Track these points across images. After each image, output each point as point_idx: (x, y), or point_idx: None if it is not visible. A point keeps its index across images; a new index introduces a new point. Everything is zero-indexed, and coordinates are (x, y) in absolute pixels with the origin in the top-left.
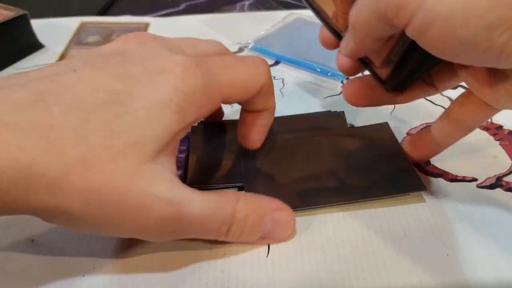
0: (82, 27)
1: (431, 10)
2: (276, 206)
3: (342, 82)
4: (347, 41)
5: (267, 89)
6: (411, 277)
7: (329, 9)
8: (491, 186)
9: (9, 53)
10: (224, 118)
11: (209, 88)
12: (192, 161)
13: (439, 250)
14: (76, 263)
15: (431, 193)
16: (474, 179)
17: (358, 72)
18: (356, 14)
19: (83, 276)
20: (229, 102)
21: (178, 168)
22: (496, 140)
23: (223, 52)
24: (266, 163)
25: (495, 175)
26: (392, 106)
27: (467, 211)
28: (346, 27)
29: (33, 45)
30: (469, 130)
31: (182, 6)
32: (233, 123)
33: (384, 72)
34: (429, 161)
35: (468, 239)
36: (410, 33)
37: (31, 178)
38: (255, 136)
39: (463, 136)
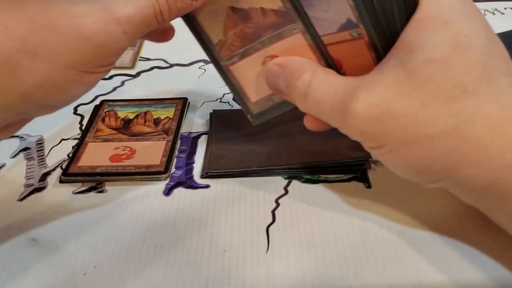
0: None
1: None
2: None
3: None
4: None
5: None
6: (410, 275)
7: (215, 36)
8: None
9: None
10: None
11: None
12: (211, 150)
13: (437, 248)
14: (77, 261)
15: (430, 192)
16: None
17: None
18: (309, 110)
19: (84, 274)
20: None
21: (179, 168)
22: None
23: None
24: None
25: None
26: None
27: (464, 210)
28: (232, 57)
29: None
30: None
31: None
32: None
33: (255, 109)
34: None
35: (466, 237)
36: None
37: None
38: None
39: None
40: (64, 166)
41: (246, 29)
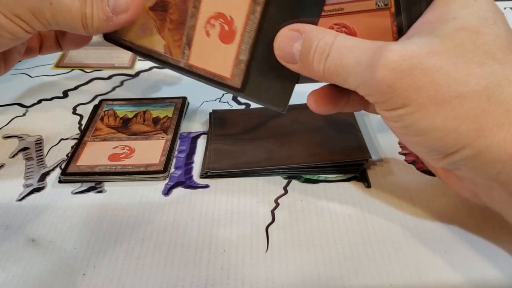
0: None
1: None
2: None
3: None
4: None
5: None
6: (410, 274)
7: (159, 46)
8: None
9: None
10: None
11: None
12: (211, 150)
13: (437, 247)
14: (76, 262)
15: (430, 191)
16: None
17: (330, 109)
18: (327, 70)
19: (84, 274)
20: None
21: (178, 167)
22: None
23: None
24: (238, 129)
25: None
26: None
27: (465, 208)
28: (183, 52)
29: None
30: None
31: None
32: (248, 112)
33: (237, 82)
34: None
35: (466, 236)
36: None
37: None
38: None
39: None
40: (63, 166)
41: (172, 16)
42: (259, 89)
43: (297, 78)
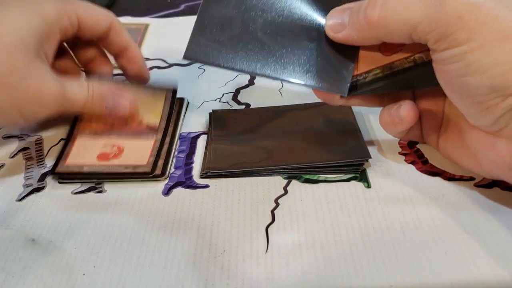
0: None
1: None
2: (117, 92)
3: None
4: (348, 29)
5: (118, 26)
6: (409, 275)
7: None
8: (489, 185)
9: None
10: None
11: (65, 8)
12: (211, 150)
13: (437, 248)
14: (76, 261)
15: (430, 191)
16: (472, 178)
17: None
18: (383, 14)
19: (84, 274)
20: (86, 30)
21: (178, 168)
22: None
23: None
24: (237, 129)
25: None
26: None
27: (465, 209)
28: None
29: None
30: None
31: (181, 7)
32: (248, 112)
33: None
34: (427, 160)
35: (466, 237)
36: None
37: None
38: (136, 71)
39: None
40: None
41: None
42: (323, 76)
43: (353, 61)
